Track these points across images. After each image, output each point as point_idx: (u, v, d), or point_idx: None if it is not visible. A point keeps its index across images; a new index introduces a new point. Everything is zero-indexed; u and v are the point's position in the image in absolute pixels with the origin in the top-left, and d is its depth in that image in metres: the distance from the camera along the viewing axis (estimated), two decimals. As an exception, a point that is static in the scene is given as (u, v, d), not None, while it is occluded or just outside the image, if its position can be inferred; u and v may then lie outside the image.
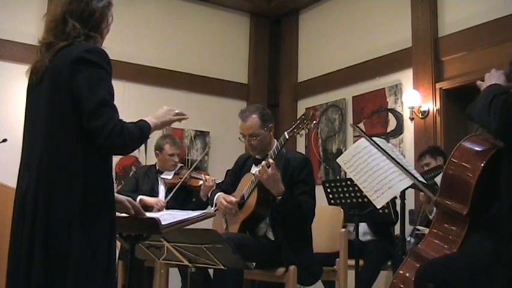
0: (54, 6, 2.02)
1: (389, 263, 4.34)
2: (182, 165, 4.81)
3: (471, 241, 2.18)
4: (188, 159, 6.04)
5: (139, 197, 4.42)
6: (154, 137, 5.55)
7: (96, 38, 2.01)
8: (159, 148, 4.64)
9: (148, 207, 4.38)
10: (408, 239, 3.98)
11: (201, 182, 4.47)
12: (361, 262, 3.94)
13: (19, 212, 1.92)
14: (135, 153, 5.79)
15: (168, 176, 4.63)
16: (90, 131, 1.87)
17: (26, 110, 2.06)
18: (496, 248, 2.06)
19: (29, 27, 5.37)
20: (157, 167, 4.70)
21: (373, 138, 3.13)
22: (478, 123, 2.22)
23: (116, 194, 2.09)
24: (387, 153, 2.91)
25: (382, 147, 3.02)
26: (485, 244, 2.11)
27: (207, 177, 4.37)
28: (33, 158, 1.93)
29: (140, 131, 1.98)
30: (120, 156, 5.63)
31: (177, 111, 2.20)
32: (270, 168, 3.04)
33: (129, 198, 2.15)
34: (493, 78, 2.24)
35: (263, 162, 3.09)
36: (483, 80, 2.31)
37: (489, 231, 2.15)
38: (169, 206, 4.39)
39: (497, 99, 2.03)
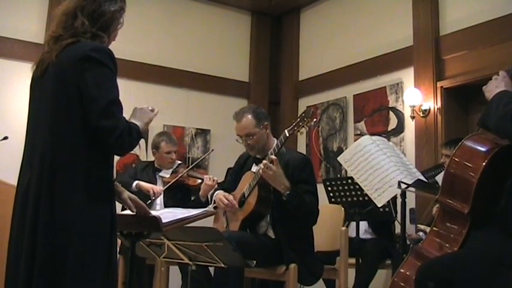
0: (68, 1, 2.06)
1: (388, 262, 4.34)
2: (181, 162, 4.78)
3: (473, 239, 2.17)
4: (189, 157, 6.03)
5: (135, 182, 4.41)
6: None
7: (102, 37, 2.04)
8: (155, 146, 4.61)
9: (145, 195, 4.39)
10: (422, 234, 3.98)
11: (199, 181, 4.46)
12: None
13: (20, 207, 1.92)
14: (136, 150, 5.78)
15: (166, 174, 4.62)
16: (100, 129, 1.89)
17: (30, 103, 2.08)
18: (500, 244, 2.05)
19: (30, 25, 5.38)
20: (155, 165, 4.68)
21: (374, 137, 3.13)
22: (498, 132, 2.14)
23: (120, 190, 2.12)
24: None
25: (383, 145, 3.03)
26: (488, 242, 2.10)
27: (206, 176, 4.36)
28: (35, 153, 1.94)
29: (137, 133, 2.03)
30: (121, 154, 5.63)
31: (150, 108, 2.21)
32: (273, 165, 3.04)
33: (134, 197, 2.17)
34: (500, 83, 2.20)
35: (264, 161, 3.09)
36: (485, 83, 2.28)
37: (493, 228, 2.14)
38: (167, 205, 4.37)
39: None
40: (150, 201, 4.38)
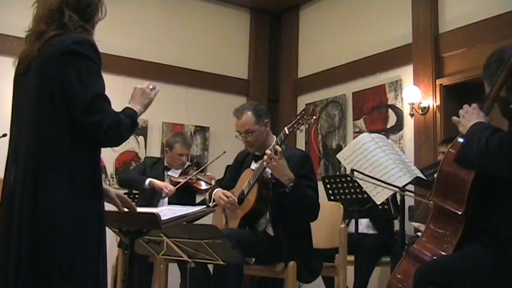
0: None
1: (386, 259, 4.35)
2: (190, 164, 4.80)
3: (473, 247, 2.13)
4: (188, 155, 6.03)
5: (148, 180, 4.43)
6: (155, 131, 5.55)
7: (90, 31, 1.99)
8: (169, 146, 4.63)
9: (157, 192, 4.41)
10: (420, 234, 3.99)
11: (204, 186, 4.49)
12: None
13: (7, 205, 1.89)
14: (135, 148, 5.79)
15: (175, 174, 4.63)
16: (87, 125, 1.86)
17: (13, 101, 2.04)
18: (498, 253, 2.04)
19: (27, 21, 5.36)
20: (165, 163, 4.70)
21: (373, 134, 3.13)
22: (482, 170, 2.09)
23: (106, 188, 2.08)
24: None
25: (382, 143, 3.03)
26: (485, 249, 2.07)
27: (213, 181, 4.39)
28: (20, 150, 1.91)
29: (131, 121, 1.99)
30: (120, 152, 5.63)
31: (150, 87, 2.17)
32: (277, 156, 3.03)
33: (120, 193, 2.14)
34: (472, 116, 2.17)
35: (267, 152, 3.08)
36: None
37: (488, 237, 2.13)
38: (171, 204, 4.38)
39: (491, 140, 1.98)
40: (161, 198, 4.40)
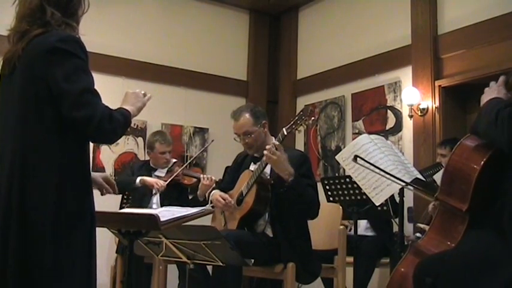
0: None
1: (385, 260, 4.35)
2: (176, 160, 4.77)
3: (468, 236, 2.18)
4: (187, 156, 6.03)
5: (139, 178, 4.44)
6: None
7: (74, 27, 1.96)
8: (150, 146, 4.63)
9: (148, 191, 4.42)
10: (419, 235, 4.00)
11: (194, 180, 4.48)
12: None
13: None
14: (134, 149, 5.78)
15: (161, 173, 4.63)
16: (77, 121, 1.82)
17: (0, 103, 2.00)
18: (494, 242, 2.06)
19: (11, 19, 5.35)
20: (150, 164, 4.69)
21: (372, 136, 3.13)
22: (486, 138, 2.18)
23: (94, 176, 2.05)
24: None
25: (381, 144, 3.03)
26: (482, 238, 2.11)
27: (203, 175, 4.37)
28: (5, 149, 1.87)
29: (124, 118, 1.96)
30: (119, 153, 5.62)
31: (143, 92, 2.16)
32: (277, 151, 3.03)
33: (105, 175, 2.13)
34: (493, 92, 2.24)
35: (268, 146, 3.08)
36: (483, 82, 2.31)
37: (487, 225, 2.16)
38: (163, 204, 4.38)
39: (502, 112, 2.04)
40: (153, 194, 4.41)
